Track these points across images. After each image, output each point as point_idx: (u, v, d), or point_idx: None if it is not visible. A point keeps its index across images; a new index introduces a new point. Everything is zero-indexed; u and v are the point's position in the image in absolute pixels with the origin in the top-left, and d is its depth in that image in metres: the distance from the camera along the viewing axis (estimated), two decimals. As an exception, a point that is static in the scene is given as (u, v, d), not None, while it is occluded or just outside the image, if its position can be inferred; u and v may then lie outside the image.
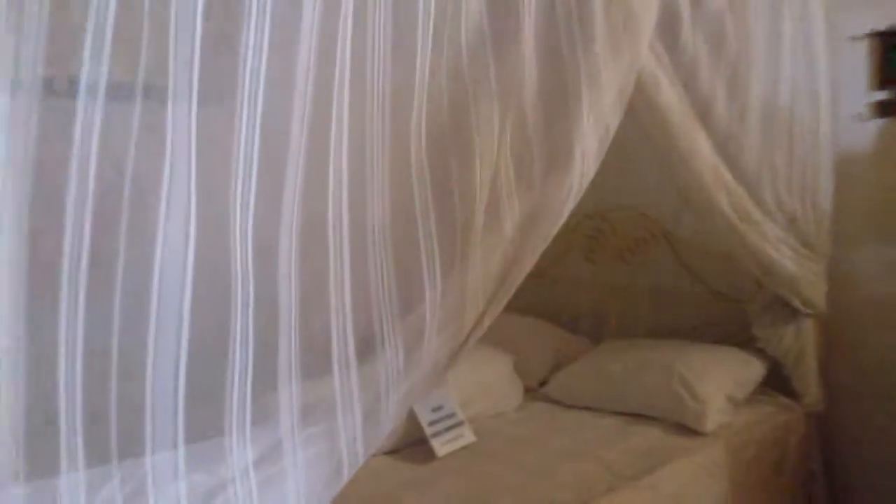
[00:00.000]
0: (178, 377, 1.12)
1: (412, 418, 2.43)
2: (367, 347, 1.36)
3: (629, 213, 3.40)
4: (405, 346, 1.42)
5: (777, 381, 2.87)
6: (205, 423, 1.17)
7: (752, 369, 2.82)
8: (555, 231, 1.71)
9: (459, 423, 2.52)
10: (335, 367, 1.29)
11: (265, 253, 1.22)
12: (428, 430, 2.43)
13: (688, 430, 2.60)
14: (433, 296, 1.47)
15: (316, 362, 1.27)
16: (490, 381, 2.80)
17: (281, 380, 1.23)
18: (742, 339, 2.96)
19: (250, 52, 1.15)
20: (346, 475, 1.32)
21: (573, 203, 1.70)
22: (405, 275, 1.46)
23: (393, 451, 2.45)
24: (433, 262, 1.48)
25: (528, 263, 1.68)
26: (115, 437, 1.12)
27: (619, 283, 3.45)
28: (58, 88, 1.08)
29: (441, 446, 2.42)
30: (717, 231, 2.53)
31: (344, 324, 1.30)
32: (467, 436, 2.51)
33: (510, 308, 1.62)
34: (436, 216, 1.46)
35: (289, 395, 1.24)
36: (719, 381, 2.70)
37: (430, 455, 2.39)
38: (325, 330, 1.28)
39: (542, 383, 3.07)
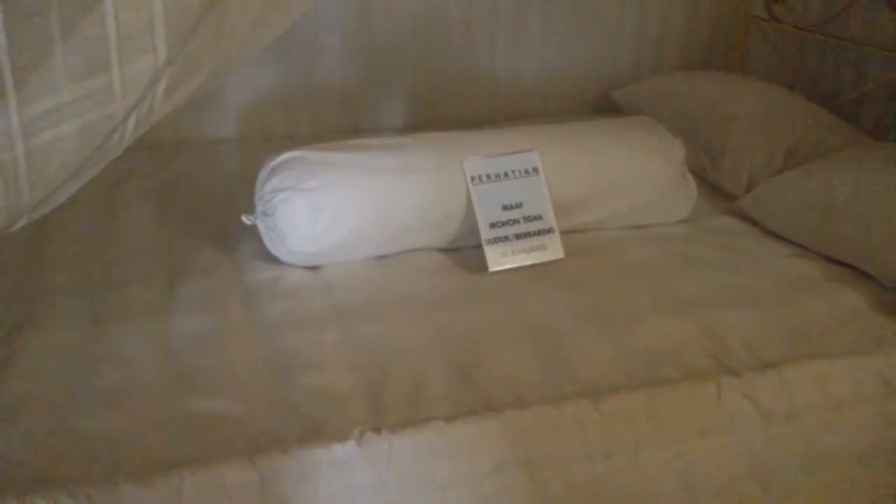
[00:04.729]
0: None
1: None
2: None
3: None
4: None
5: None
6: None
7: None
8: None
9: (544, 231, 1.80)
10: None
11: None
12: (485, 234, 1.75)
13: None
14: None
15: None
16: (635, 172, 1.93)
17: None
18: None
19: None
20: None
21: None
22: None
23: (451, 250, 1.84)
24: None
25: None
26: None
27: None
28: None
29: (497, 258, 1.75)
30: None
31: None
32: (551, 250, 1.79)
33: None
34: None
35: None
36: None
37: (483, 265, 1.75)
38: None
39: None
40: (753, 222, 2.00)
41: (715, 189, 2.20)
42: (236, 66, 1.19)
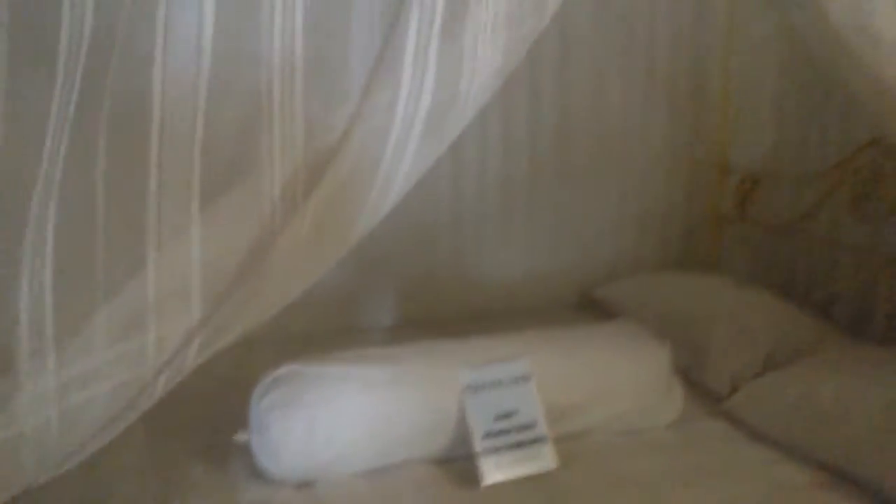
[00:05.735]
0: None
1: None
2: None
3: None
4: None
5: None
6: None
7: None
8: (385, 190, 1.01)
9: (537, 440, 1.81)
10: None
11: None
12: (479, 445, 1.76)
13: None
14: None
15: None
16: (625, 379, 1.98)
17: None
18: None
19: None
20: None
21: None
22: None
23: (442, 461, 1.84)
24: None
25: (331, 247, 1.02)
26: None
27: (902, 254, 2.28)
28: None
29: (491, 470, 1.75)
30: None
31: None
32: (543, 460, 1.80)
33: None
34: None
35: None
36: None
37: (476, 477, 1.74)
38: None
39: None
40: (740, 423, 2.02)
41: (699, 388, 2.24)
42: (270, 316, 1.24)
